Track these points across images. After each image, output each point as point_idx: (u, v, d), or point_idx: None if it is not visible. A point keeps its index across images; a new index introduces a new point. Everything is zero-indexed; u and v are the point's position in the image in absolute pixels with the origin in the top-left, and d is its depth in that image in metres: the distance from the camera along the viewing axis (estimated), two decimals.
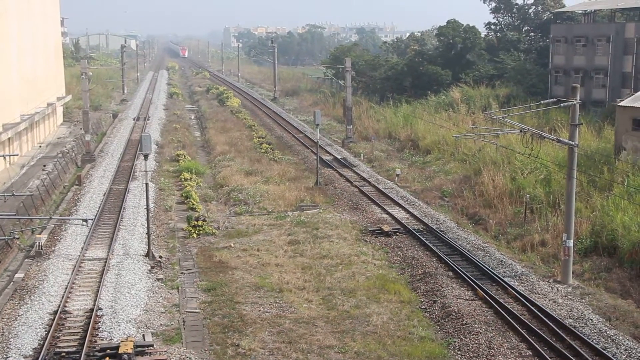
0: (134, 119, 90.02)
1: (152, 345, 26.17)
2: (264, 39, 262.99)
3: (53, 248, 38.09)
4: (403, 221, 43.25)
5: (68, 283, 32.27)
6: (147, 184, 38.87)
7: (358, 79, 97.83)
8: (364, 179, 55.18)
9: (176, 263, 36.76)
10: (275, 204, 47.94)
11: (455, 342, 27.22)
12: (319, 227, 42.43)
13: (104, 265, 34.74)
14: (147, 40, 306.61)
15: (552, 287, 32.54)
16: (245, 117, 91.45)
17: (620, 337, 26.91)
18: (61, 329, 27.79)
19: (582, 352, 25.39)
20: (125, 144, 71.58)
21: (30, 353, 25.65)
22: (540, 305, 29.73)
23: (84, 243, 38.48)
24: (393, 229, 41.75)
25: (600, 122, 62.41)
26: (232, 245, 39.45)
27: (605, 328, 27.79)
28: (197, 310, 30.61)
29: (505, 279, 32.94)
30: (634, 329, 28.01)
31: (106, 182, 54.07)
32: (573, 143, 33.01)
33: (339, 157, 64.44)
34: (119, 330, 27.55)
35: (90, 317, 28.37)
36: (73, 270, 34.02)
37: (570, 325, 27.94)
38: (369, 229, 42.34)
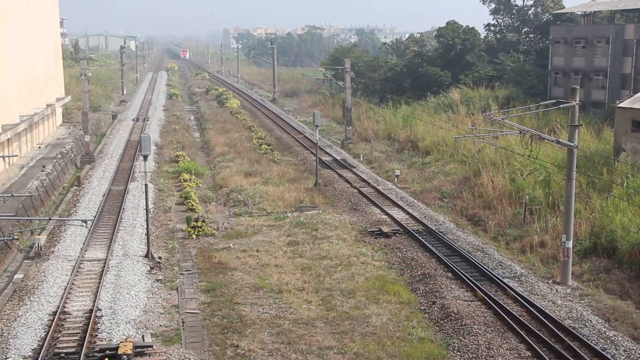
0: (133, 120, 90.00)
1: (151, 346, 26.17)
2: (264, 40, 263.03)
3: (52, 249, 38.08)
4: (402, 222, 43.25)
5: (67, 284, 32.26)
6: (146, 185, 38.87)
7: (357, 80, 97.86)
8: (364, 180, 55.18)
9: (175, 264, 36.76)
10: (274, 205, 47.94)
11: (454, 343, 27.22)
12: (319, 228, 42.44)
13: (104, 266, 34.73)
14: (146, 41, 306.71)
15: (551, 288, 32.55)
16: (245, 118, 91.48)
17: (620, 338, 26.91)
18: (60, 329, 27.78)
19: (581, 353, 25.40)
20: (125, 145, 71.58)
21: (30, 354, 25.64)
22: (540, 306, 29.74)
23: (84, 244, 38.48)
24: (392, 230, 41.75)
25: (599, 123, 62.46)
26: (232, 246, 39.45)
27: (605, 329, 27.79)
28: (196, 311, 30.61)
29: (505, 280, 32.94)
30: (633, 330, 28.01)
31: (105, 183, 54.07)
32: (572, 144, 33.03)
33: (338, 158, 64.45)
34: (119, 331, 27.55)
35: (90, 318, 28.36)
36: (72, 271, 34.01)
37: (570, 326, 27.94)
38: (369, 230, 42.34)
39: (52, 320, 28.12)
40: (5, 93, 60.87)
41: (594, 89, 75.07)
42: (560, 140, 34.61)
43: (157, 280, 33.73)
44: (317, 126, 55.28)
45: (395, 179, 55.88)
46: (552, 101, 39.12)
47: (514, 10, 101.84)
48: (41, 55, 78.72)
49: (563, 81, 78.70)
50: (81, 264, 35.47)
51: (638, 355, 25.49)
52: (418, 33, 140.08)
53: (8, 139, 59.01)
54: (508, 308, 29.60)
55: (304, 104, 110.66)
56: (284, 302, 31.28)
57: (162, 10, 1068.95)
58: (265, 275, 34.64)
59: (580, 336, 26.85)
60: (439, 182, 54.12)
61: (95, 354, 25.56)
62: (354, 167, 60.27)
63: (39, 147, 70.70)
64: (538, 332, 27.23)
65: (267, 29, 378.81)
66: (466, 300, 30.90)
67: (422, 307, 31.07)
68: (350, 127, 73.70)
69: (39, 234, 40.04)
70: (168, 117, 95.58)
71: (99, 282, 32.53)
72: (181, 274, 35.35)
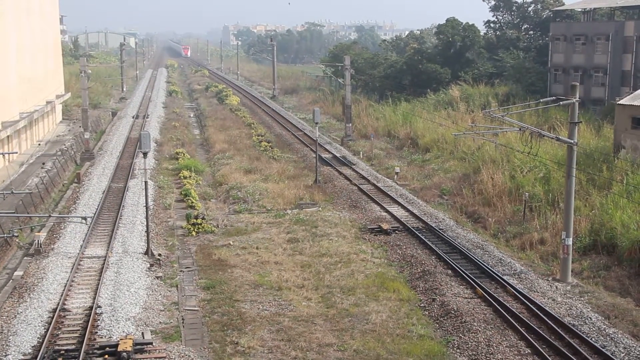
0: (133, 117, 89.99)
1: (151, 343, 26.18)
2: (263, 37, 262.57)
3: (52, 246, 38.09)
4: (402, 219, 43.25)
5: (67, 281, 32.27)
6: (146, 182, 38.86)
7: (357, 77, 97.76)
8: (363, 177, 55.17)
9: (175, 261, 36.77)
10: (274, 202, 47.94)
11: (454, 340, 27.25)
12: (318, 226, 42.44)
13: (103, 263, 34.74)
14: (146, 38, 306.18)
15: (551, 286, 32.56)
16: (245, 115, 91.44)
17: (619, 336, 26.93)
18: (60, 326, 27.80)
19: (581, 350, 25.42)
20: (125, 142, 71.57)
21: (30, 351, 25.65)
22: (539, 304, 29.75)
23: (83, 241, 38.48)
24: (392, 227, 41.76)
25: (599, 120, 62.45)
26: (231, 243, 39.46)
27: (604, 326, 27.81)
28: (196, 308, 30.63)
29: (504, 277, 32.95)
30: (633, 327, 28.04)
31: (105, 180, 54.07)
32: (572, 141, 33.02)
33: (338, 155, 64.43)
34: (118, 328, 27.56)
35: (90, 315, 28.37)
36: (72, 268, 34.02)
37: (569, 323, 27.96)
38: (368, 227, 42.35)
39: (52, 318, 28.14)
40: (4, 90, 60.84)
41: (594, 86, 75.02)
42: (560, 137, 34.61)
43: (157, 278, 33.74)
44: (316, 123, 55.25)
45: (395, 176, 55.87)
46: (551, 98, 39.10)
47: (514, 7, 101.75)
48: (41, 52, 78.65)
49: (563, 78, 78.65)
50: (81, 261, 35.48)
51: (638, 353, 25.51)
52: (418, 30, 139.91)
53: (8, 136, 58.99)
54: (508, 305, 29.61)
55: (304, 101, 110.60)
56: (283, 300, 31.30)
57: (161, 7, 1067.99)
58: (265, 273, 34.66)
59: (580, 333, 26.87)
60: (438, 179, 54.12)
61: (95, 351, 25.57)
62: (354, 165, 60.25)
63: (39, 144, 70.66)
64: (538, 330, 27.25)
65: (267, 26, 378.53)
66: (466, 298, 30.92)
67: (422, 304, 31.09)
68: (350, 124, 73.67)
69: (38, 231, 40.03)
70: (168, 114, 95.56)
71: (99, 279, 32.54)
72: (181, 271, 35.36)
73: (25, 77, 68.68)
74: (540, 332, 27.06)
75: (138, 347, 25.65)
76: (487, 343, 26.37)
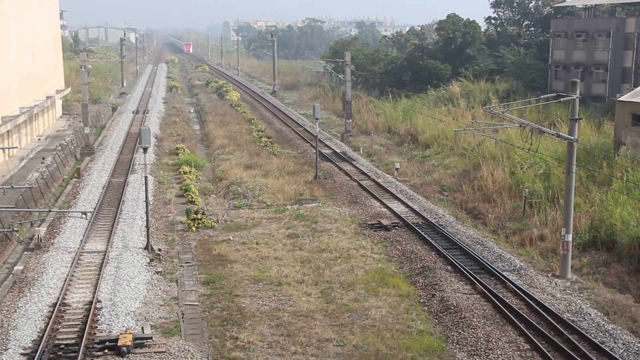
0: (133, 112, 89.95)
1: (151, 338, 26.21)
2: (264, 32, 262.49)
3: (52, 241, 38.10)
4: (402, 215, 43.26)
5: (67, 275, 32.29)
6: (146, 177, 38.86)
7: (358, 73, 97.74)
8: (363, 173, 55.17)
9: (175, 256, 36.79)
10: (274, 197, 47.96)
11: (453, 335, 27.27)
12: (318, 221, 42.46)
13: (103, 258, 34.76)
14: (146, 34, 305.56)
15: (550, 282, 32.59)
16: (245, 111, 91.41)
17: (618, 332, 26.96)
18: (60, 321, 27.82)
19: (580, 346, 25.44)
20: (125, 137, 71.54)
21: (30, 345, 25.68)
22: (539, 300, 29.78)
23: (83, 236, 38.50)
24: (392, 223, 41.77)
25: (599, 117, 62.41)
26: (231, 238, 39.48)
27: (603, 322, 27.84)
28: (196, 303, 30.66)
29: (504, 273, 32.98)
30: (632, 324, 28.06)
31: (105, 175, 54.08)
32: (572, 138, 33.02)
33: (338, 151, 64.43)
34: (118, 322, 27.59)
35: (90, 310, 28.38)
36: (72, 263, 34.04)
37: (569, 319, 27.99)
38: (368, 222, 42.36)
39: (52, 312, 28.16)
40: (4, 85, 60.82)
41: (595, 82, 75.01)
42: (561, 133, 34.61)
43: (157, 273, 33.76)
44: (317, 119, 55.24)
45: (395, 172, 55.87)
46: (552, 95, 39.08)
47: (515, 4, 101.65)
48: (41, 47, 78.62)
49: (563, 75, 78.63)
50: (81, 255, 35.50)
51: (637, 349, 25.54)
52: (418, 26, 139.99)
53: (8, 131, 59.00)
54: (507, 301, 29.63)
55: (304, 96, 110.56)
56: (283, 295, 31.33)
57: (161, 3, 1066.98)
58: (265, 268, 34.68)
59: (579, 329, 26.90)
60: (438, 175, 54.12)
61: (95, 345, 25.60)
62: (354, 160, 60.25)
63: (39, 139, 70.68)
64: (537, 325, 27.27)
65: (268, 22, 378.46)
66: (465, 293, 30.94)
67: (422, 300, 31.11)
68: (350, 120, 73.66)
69: (38, 226, 40.06)
70: (168, 110, 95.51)
71: (99, 274, 32.56)
72: (181, 266, 35.38)
73: (25, 72, 68.66)
74: (540, 328, 27.07)
75: (138, 341, 25.68)
76: (486, 339, 26.40)
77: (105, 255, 35.26)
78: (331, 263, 35.34)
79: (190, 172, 55.01)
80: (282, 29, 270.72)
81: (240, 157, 60.51)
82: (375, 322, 28.49)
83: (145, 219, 38.98)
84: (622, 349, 25.56)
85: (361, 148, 66.44)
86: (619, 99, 51.50)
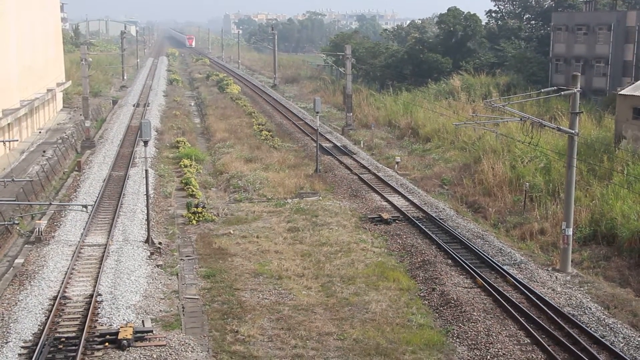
0: (133, 106, 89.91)
1: (151, 331, 26.24)
2: (264, 25, 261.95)
3: (53, 234, 38.13)
4: (402, 209, 43.26)
5: (68, 269, 32.31)
6: (146, 171, 38.83)
7: (358, 67, 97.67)
8: (364, 167, 55.16)
9: (176, 249, 36.81)
10: (274, 191, 47.95)
11: (453, 329, 27.29)
12: (319, 215, 42.46)
13: (104, 251, 34.78)
14: (147, 27, 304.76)
15: (551, 276, 32.61)
16: (245, 104, 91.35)
17: (619, 326, 26.98)
18: (61, 314, 27.84)
19: (580, 340, 25.46)
20: (125, 131, 71.50)
21: (30, 338, 25.71)
22: (539, 294, 29.79)
23: (84, 229, 38.51)
24: (392, 216, 41.77)
25: (600, 110, 62.36)
26: (232, 232, 39.49)
27: (604, 316, 27.86)
28: (196, 297, 30.69)
29: (504, 267, 32.98)
30: (632, 318, 28.09)
31: (106, 168, 54.08)
32: (573, 131, 32.99)
33: (338, 144, 64.39)
34: (119, 316, 27.62)
35: (90, 303, 28.41)
36: (73, 256, 34.06)
37: (569, 313, 28.01)
38: (369, 216, 42.36)
39: (53, 305, 28.18)
40: (5, 78, 60.76)
41: (595, 76, 74.90)
42: (561, 127, 34.58)
43: (157, 266, 33.78)
44: (317, 112, 55.20)
45: (396, 166, 55.86)
46: (553, 88, 39.02)
47: None
48: (41, 40, 78.53)
49: (564, 68, 78.54)
50: (81, 249, 35.52)
51: (637, 343, 25.56)
52: (419, 19, 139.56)
53: (8, 124, 58.96)
54: (508, 295, 29.65)
55: (305, 90, 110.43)
56: (283, 288, 31.35)
57: None
58: (265, 262, 34.70)
59: (579, 323, 26.91)
60: (439, 169, 54.11)
61: (96, 338, 25.62)
62: (354, 154, 60.22)
63: (40, 132, 70.67)
64: (537, 319, 27.29)
65: (268, 15, 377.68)
66: (466, 287, 30.95)
67: (422, 294, 31.13)
68: (351, 114, 73.61)
69: (39, 219, 40.08)
70: (168, 103, 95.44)
71: (99, 267, 32.57)
72: (181, 259, 35.40)
73: (25, 65, 68.60)
74: (540, 321, 27.10)
75: (138, 335, 25.71)
76: (486, 332, 26.42)
77: (105, 248, 35.28)
78: (331, 257, 35.35)
79: (190, 165, 55.01)
80: (282, 22, 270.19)
81: (241, 150, 60.49)
82: (376, 316, 28.51)
83: (145, 212, 39.00)
84: (622, 343, 25.58)
85: (362, 142, 66.40)
86: (620, 92, 51.43)
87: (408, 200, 45.45)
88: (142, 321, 27.30)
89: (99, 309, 28.20)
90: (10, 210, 40.46)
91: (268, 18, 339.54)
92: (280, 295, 30.59)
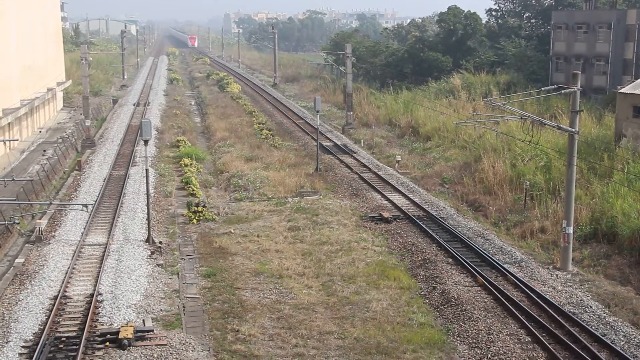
0: (134, 105, 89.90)
1: (152, 331, 26.24)
2: (265, 24, 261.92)
3: (53, 233, 38.13)
4: (403, 208, 43.26)
5: (68, 268, 32.32)
6: (147, 170, 38.83)
7: (358, 65, 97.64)
8: (364, 166, 55.15)
9: (176, 249, 36.81)
10: (275, 190, 47.95)
11: (454, 328, 27.29)
12: (319, 214, 42.45)
13: (104, 251, 34.78)
14: (147, 26, 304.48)
15: (551, 274, 32.60)
16: (246, 103, 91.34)
17: (619, 324, 26.97)
18: (61, 314, 27.85)
19: (581, 338, 25.46)
20: (125, 130, 71.49)
21: (31, 338, 25.72)
22: (540, 292, 29.78)
23: (84, 228, 38.52)
24: (393, 215, 41.76)
25: (600, 109, 62.35)
26: (232, 231, 39.49)
27: (605, 315, 27.85)
28: (197, 296, 30.68)
29: (505, 266, 32.99)
30: (633, 316, 28.08)
31: (106, 167, 54.08)
32: (573, 130, 32.97)
33: (339, 143, 64.38)
34: (119, 315, 27.62)
35: (91, 302, 28.42)
36: (73, 256, 34.06)
37: (570, 311, 28.00)
38: (369, 215, 42.36)
39: (53, 305, 28.19)
40: (5, 77, 60.74)
41: (596, 74, 74.91)
42: (561, 126, 34.55)
43: (158, 265, 33.79)
44: (318, 111, 55.19)
45: (396, 165, 55.84)
46: (553, 87, 39.02)
47: None
48: (41, 39, 78.51)
49: (564, 67, 78.53)
50: (82, 248, 35.52)
51: (638, 341, 25.56)
52: (419, 18, 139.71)
53: (9, 123, 58.96)
54: (508, 293, 29.63)
55: (305, 89, 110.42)
56: (284, 287, 31.34)
57: None
58: (266, 261, 34.70)
59: (580, 322, 26.91)
60: (439, 168, 54.09)
61: (96, 338, 25.63)
62: (355, 153, 60.22)
63: (40, 132, 70.67)
64: (538, 318, 27.29)
65: (268, 14, 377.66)
66: (466, 286, 30.95)
67: (423, 293, 31.12)
68: (351, 113, 73.59)
69: (39, 218, 40.08)
70: (169, 102, 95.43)
71: (100, 267, 32.58)
72: (182, 258, 35.41)
73: (25, 64, 68.59)
74: (541, 320, 27.09)
75: (139, 334, 25.71)
76: (487, 331, 26.42)
77: (106, 247, 35.28)
78: (332, 256, 35.35)
79: (191, 164, 55.01)
80: (282, 21, 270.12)
81: (241, 149, 60.49)
82: (376, 315, 28.50)
83: (146, 211, 39.00)
84: (623, 341, 25.57)
85: (362, 140, 66.38)
86: (620, 90, 51.42)
87: (408, 199, 45.45)
88: (143, 320, 27.30)
89: (100, 309, 28.20)
90: (10, 210, 40.46)
91: (268, 17, 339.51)
92: (281, 294, 30.59)
